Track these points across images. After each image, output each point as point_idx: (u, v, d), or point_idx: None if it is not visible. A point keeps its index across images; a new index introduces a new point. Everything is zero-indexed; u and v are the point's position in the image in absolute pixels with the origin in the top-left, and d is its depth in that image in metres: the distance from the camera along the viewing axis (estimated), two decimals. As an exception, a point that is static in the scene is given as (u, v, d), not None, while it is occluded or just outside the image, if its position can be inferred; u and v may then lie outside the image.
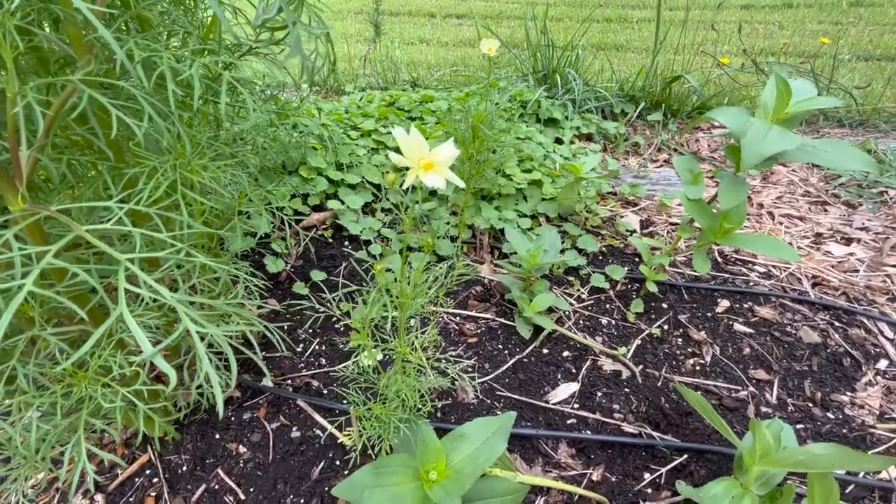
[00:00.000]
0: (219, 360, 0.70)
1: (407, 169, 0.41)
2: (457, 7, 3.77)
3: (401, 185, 0.41)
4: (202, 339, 0.34)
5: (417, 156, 0.40)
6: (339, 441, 0.76)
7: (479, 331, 0.97)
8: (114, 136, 0.35)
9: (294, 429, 0.79)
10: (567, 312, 1.01)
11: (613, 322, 1.00)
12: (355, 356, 0.89)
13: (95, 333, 0.28)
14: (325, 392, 0.84)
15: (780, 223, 1.31)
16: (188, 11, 0.60)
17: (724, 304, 1.05)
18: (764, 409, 0.84)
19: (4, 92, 0.35)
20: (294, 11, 0.42)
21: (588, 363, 0.91)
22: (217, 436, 0.77)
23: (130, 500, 0.69)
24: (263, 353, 0.90)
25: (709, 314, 1.02)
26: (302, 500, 0.69)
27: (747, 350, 0.94)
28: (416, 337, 0.66)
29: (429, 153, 0.40)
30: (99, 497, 0.70)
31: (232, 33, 0.42)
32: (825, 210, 1.36)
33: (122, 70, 0.40)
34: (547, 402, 0.84)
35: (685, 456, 0.76)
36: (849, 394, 0.86)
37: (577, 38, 1.89)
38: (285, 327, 0.96)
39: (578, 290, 1.07)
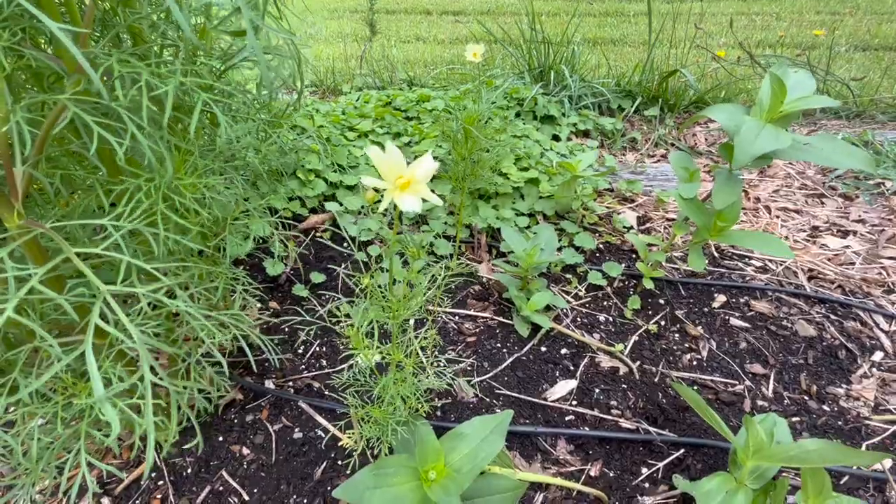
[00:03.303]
0: (214, 364, 0.70)
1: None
2: (452, 4, 3.76)
3: (378, 203, 0.40)
4: (208, 338, 0.35)
5: (394, 174, 0.39)
6: (340, 443, 0.77)
7: (477, 330, 0.98)
8: (93, 151, 0.35)
9: (296, 430, 0.80)
10: (565, 310, 1.02)
11: (611, 319, 1.01)
12: (351, 363, 0.90)
13: (79, 348, 0.29)
14: (325, 393, 0.85)
15: (777, 217, 1.31)
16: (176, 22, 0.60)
17: (721, 298, 1.05)
18: (760, 402, 0.85)
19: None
20: (256, 14, 0.41)
21: (586, 360, 0.91)
22: (220, 438, 0.78)
23: (136, 502, 0.71)
24: (263, 355, 0.91)
25: (705, 309, 1.03)
26: (305, 501, 0.70)
27: (744, 344, 0.95)
28: (414, 338, 0.66)
29: (406, 170, 0.39)
30: (106, 500, 0.71)
31: (198, 44, 0.42)
32: (822, 203, 1.36)
33: (111, 87, 0.40)
34: (545, 399, 0.85)
35: (682, 450, 0.77)
36: (844, 386, 0.87)
37: (573, 34, 1.89)
38: (285, 330, 0.97)
39: (576, 287, 1.08)
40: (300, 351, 0.93)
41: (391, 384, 0.61)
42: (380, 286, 0.55)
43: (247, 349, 0.45)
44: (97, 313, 0.30)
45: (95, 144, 0.34)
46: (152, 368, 0.35)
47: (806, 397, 0.85)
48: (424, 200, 0.40)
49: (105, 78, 0.47)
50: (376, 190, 0.41)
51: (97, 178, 0.47)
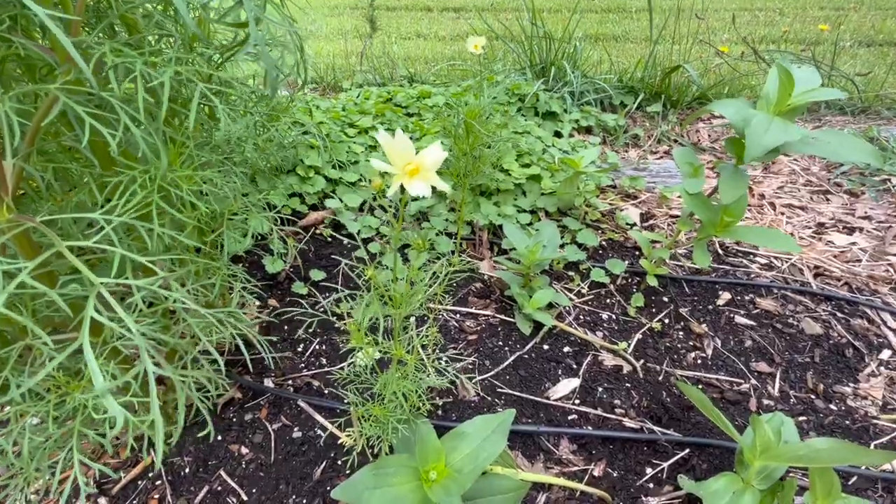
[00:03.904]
0: (212, 362, 0.69)
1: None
2: (453, 0, 3.74)
3: (384, 194, 0.40)
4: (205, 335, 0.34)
5: (403, 161, 0.38)
6: (340, 441, 0.76)
7: (479, 328, 0.97)
8: (85, 143, 0.34)
9: (295, 429, 0.79)
10: (567, 308, 1.01)
11: (614, 316, 1.00)
12: (352, 357, 0.89)
13: (73, 344, 0.28)
14: (325, 392, 0.84)
15: (782, 213, 1.29)
16: (176, 13, 0.59)
17: (726, 296, 1.04)
18: (766, 401, 0.83)
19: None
20: (257, 6, 0.40)
21: (589, 358, 0.90)
22: (219, 437, 0.77)
23: (134, 502, 0.70)
24: (262, 353, 0.90)
25: (710, 307, 1.02)
26: (304, 501, 0.69)
27: (749, 342, 0.94)
28: (415, 336, 0.65)
29: (415, 157, 0.39)
30: (103, 500, 0.70)
31: (198, 34, 0.41)
32: (827, 199, 1.35)
33: (104, 78, 0.39)
34: (548, 398, 0.84)
35: (687, 450, 0.76)
36: (851, 385, 0.86)
37: (575, 29, 1.87)
38: (285, 328, 0.96)
39: (579, 284, 1.07)
40: (300, 349, 0.92)
41: (392, 380, 0.60)
42: (379, 286, 0.54)
43: (243, 347, 0.44)
44: (91, 307, 0.29)
45: (87, 136, 0.33)
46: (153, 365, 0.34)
47: (812, 396, 0.84)
48: (434, 188, 0.39)
49: (100, 71, 0.45)
50: (382, 175, 0.41)
51: (91, 173, 0.46)
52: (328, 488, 0.71)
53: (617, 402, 0.83)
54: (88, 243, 0.31)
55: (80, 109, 0.33)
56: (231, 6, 0.40)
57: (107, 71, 0.36)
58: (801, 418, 0.80)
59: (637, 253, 1.15)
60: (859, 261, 1.12)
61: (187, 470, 0.73)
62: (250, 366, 0.88)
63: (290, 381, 0.86)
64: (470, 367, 0.89)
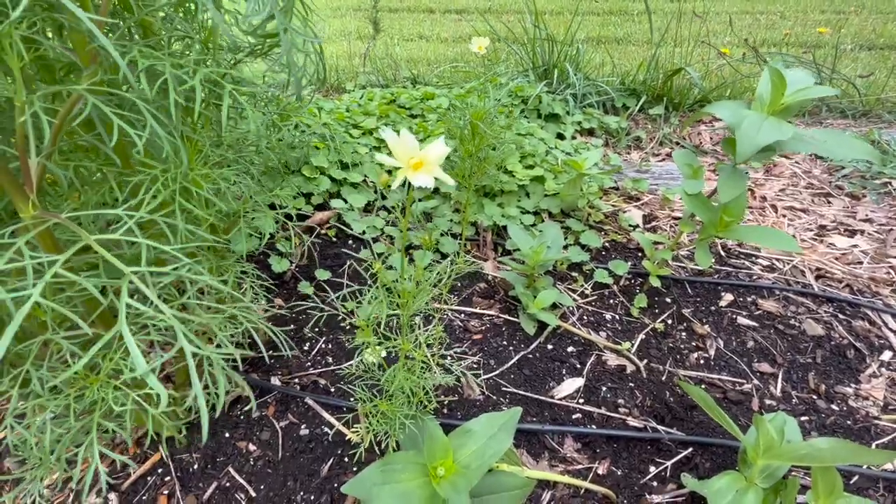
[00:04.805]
0: (226, 359, 0.70)
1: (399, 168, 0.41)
2: (455, 2, 3.75)
3: (389, 187, 0.42)
4: (210, 340, 0.34)
5: (408, 156, 0.41)
6: (347, 438, 0.77)
7: (483, 328, 0.98)
8: (114, 143, 0.35)
9: (303, 426, 0.79)
10: (571, 308, 1.02)
11: (617, 317, 1.00)
12: (358, 354, 0.90)
13: (98, 344, 0.28)
14: (332, 390, 0.85)
15: (784, 216, 1.30)
16: (188, 14, 0.60)
17: (728, 297, 1.05)
18: (768, 401, 0.84)
19: (12, 101, 0.36)
20: (285, 17, 0.42)
21: (592, 358, 0.91)
22: (227, 434, 0.78)
23: (143, 498, 0.70)
24: (270, 352, 0.91)
25: (712, 308, 1.02)
26: (312, 497, 0.70)
27: (751, 343, 0.95)
28: (421, 334, 0.66)
29: (419, 153, 0.41)
30: (112, 496, 0.71)
31: (229, 37, 0.42)
32: (828, 202, 1.36)
33: (125, 77, 0.40)
34: (552, 397, 0.84)
35: (690, 449, 0.77)
36: (853, 385, 0.87)
37: (577, 32, 1.88)
38: (291, 326, 0.97)
39: (582, 285, 1.08)
40: (306, 348, 0.93)
41: (399, 374, 0.61)
42: (386, 281, 0.55)
43: (259, 342, 0.45)
44: (125, 295, 0.30)
45: (116, 137, 0.35)
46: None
47: (814, 396, 0.85)
48: (437, 189, 0.41)
49: (118, 73, 0.46)
50: (389, 173, 0.43)
51: (109, 171, 0.47)
52: (335, 485, 0.71)
53: (621, 401, 0.84)
54: (115, 236, 0.32)
55: (107, 110, 0.34)
56: (261, 21, 0.42)
57: (139, 72, 0.37)
58: (802, 418, 0.81)
59: (640, 254, 1.16)
60: (860, 263, 1.13)
61: (196, 466, 0.74)
62: (266, 359, 0.89)
63: (296, 379, 0.87)
64: (475, 365, 0.89)
